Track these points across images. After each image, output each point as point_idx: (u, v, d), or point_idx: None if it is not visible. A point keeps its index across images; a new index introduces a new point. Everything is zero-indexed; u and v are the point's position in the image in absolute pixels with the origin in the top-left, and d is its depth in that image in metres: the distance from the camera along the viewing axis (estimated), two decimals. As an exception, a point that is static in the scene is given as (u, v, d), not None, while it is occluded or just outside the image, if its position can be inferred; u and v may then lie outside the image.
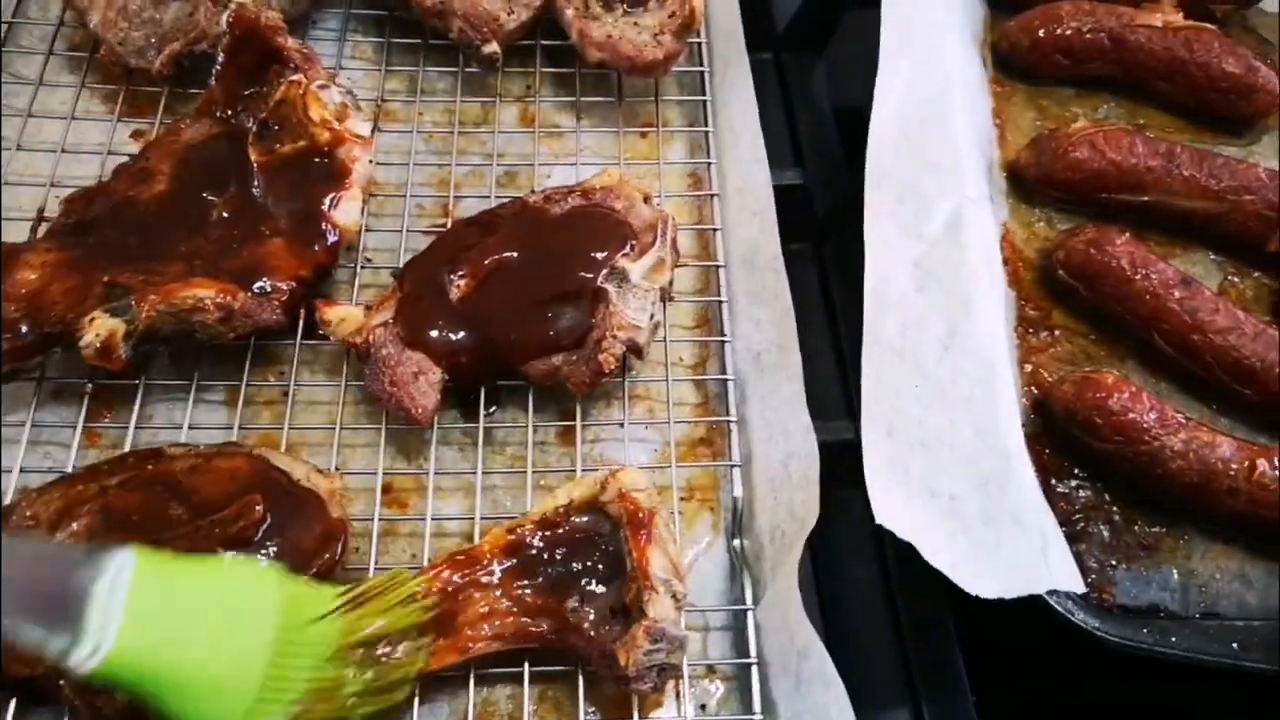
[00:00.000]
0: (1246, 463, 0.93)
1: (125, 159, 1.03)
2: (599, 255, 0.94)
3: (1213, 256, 1.13)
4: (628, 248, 0.96)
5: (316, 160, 0.98)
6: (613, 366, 0.91)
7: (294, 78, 1.00)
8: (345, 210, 0.97)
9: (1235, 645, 0.85)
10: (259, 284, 0.93)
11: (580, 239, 0.96)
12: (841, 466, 0.88)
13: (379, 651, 0.77)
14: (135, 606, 0.62)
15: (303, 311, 0.97)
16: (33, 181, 1.04)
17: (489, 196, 1.07)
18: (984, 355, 0.88)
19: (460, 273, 0.94)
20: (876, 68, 1.07)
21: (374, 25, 1.20)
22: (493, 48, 1.12)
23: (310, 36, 1.18)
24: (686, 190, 1.13)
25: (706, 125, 1.14)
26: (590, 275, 0.94)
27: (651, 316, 0.94)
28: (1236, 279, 1.12)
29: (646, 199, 1.00)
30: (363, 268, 1.03)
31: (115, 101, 1.11)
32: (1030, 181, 1.14)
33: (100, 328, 0.87)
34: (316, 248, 0.96)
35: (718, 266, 1.04)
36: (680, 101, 1.19)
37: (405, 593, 0.79)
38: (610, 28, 1.11)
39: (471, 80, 1.17)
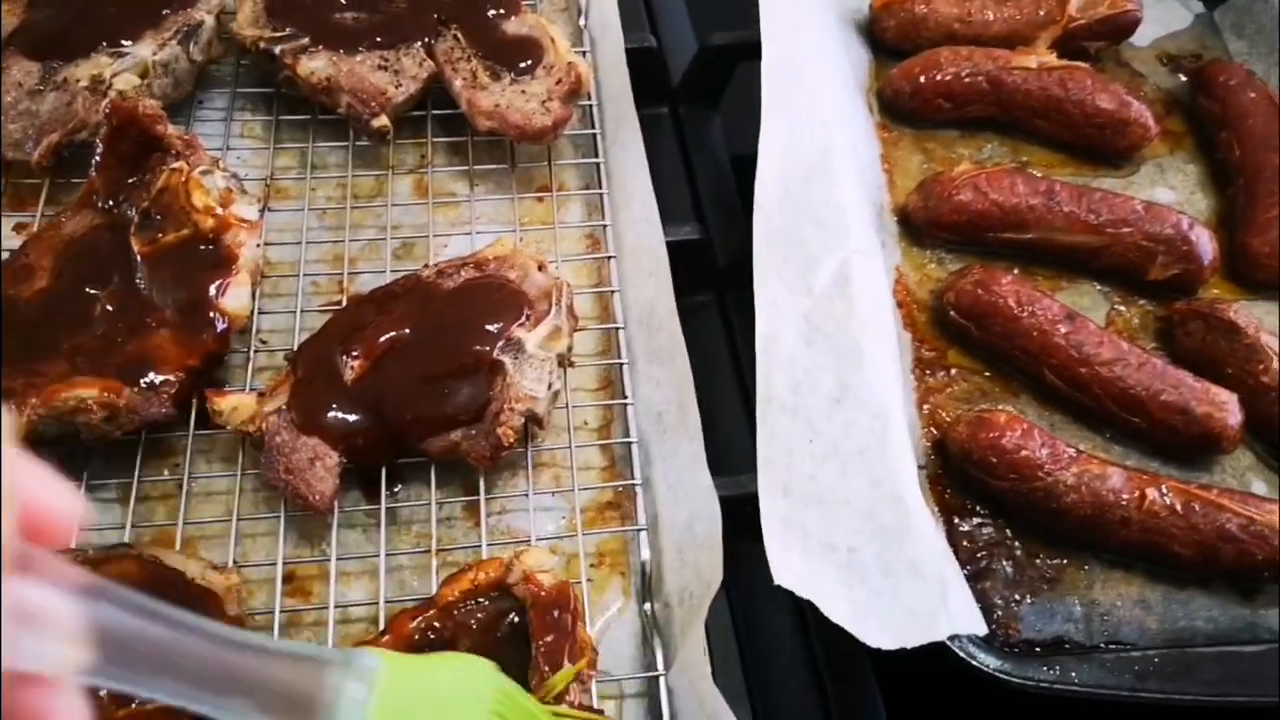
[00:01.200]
0: (1137, 493, 0.96)
1: (6, 254, 1.02)
2: (494, 327, 0.94)
3: (1099, 287, 1.17)
4: (523, 318, 0.96)
5: (201, 248, 0.97)
6: (512, 439, 0.91)
7: (175, 165, 0.99)
8: (233, 296, 0.96)
9: (1132, 676, 0.87)
10: (146, 378, 0.92)
11: (475, 312, 0.96)
12: (752, 519, 0.88)
13: None
14: (384, 705, 0.61)
15: (195, 401, 0.96)
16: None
17: (385, 271, 1.06)
18: (876, 406, 0.89)
19: (354, 353, 0.93)
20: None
21: (261, 103, 1.20)
22: (382, 121, 1.12)
23: (196, 118, 1.17)
24: (584, 253, 1.14)
25: (601, 187, 1.15)
26: (486, 348, 0.94)
27: (550, 386, 0.94)
28: (1123, 308, 1.16)
29: (541, 266, 1.00)
30: (257, 351, 1.01)
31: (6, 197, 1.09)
32: (919, 225, 1.17)
33: (-22, 436, 0.85)
34: (205, 336, 0.94)
35: (617, 328, 1.05)
36: (574, 165, 1.20)
37: None
38: (498, 96, 1.12)
39: (363, 153, 1.17)
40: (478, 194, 1.16)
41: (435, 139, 1.18)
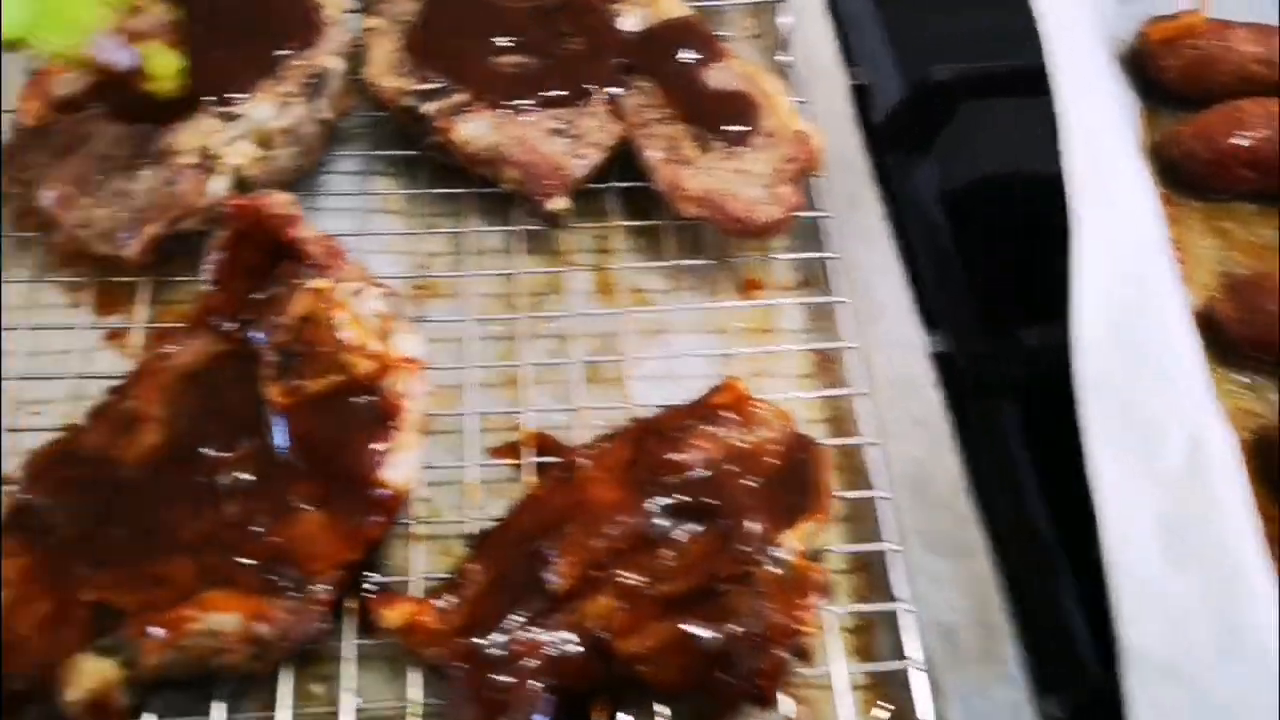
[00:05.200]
0: None
1: (101, 382, 0.80)
2: (753, 526, 0.71)
3: None
4: (780, 508, 0.73)
5: (355, 399, 0.75)
6: (777, 681, 0.69)
7: (317, 284, 0.76)
8: (399, 465, 0.73)
9: None
10: (296, 582, 0.70)
11: (717, 498, 0.73)
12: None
13: None
14: None
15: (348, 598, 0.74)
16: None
17: (573, 407, 0.84)
18: (1268, 653, 0.67)
19: (563, 555, 0.71)
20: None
21: (403, 169, 0.96)
22: (560, 204, 0.89)
23: (320, 188, 0.94)
24: (809, 374, 0.89)
25: (830, 289, 0.91)
26: (741, 550, 0.71)
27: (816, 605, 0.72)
28: None
29: (785, 424, 0.77)
30: (419, 522, 0.79)
31: (83, 298, 0.86)
32: (1234, 341, 0.92)
33: (89, 676, 0.64)
34: (365, 520, 0.72)
35: (876, 497, 0.82)
36: (793, 259, 0.95)
37: None
38: (709, 177, 0.87)
39: (530, 238, 0.93)
40: (669, 289, 0.92)
41: (620, 221, 0.94)
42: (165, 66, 0.83)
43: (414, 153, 0.95)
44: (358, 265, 0.78)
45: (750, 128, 0.89)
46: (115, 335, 0.86)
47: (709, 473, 0.75)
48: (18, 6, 0.74)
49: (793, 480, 0.75)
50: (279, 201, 0.77)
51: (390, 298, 0.78)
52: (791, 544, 0.72)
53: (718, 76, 0.93)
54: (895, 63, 1.15)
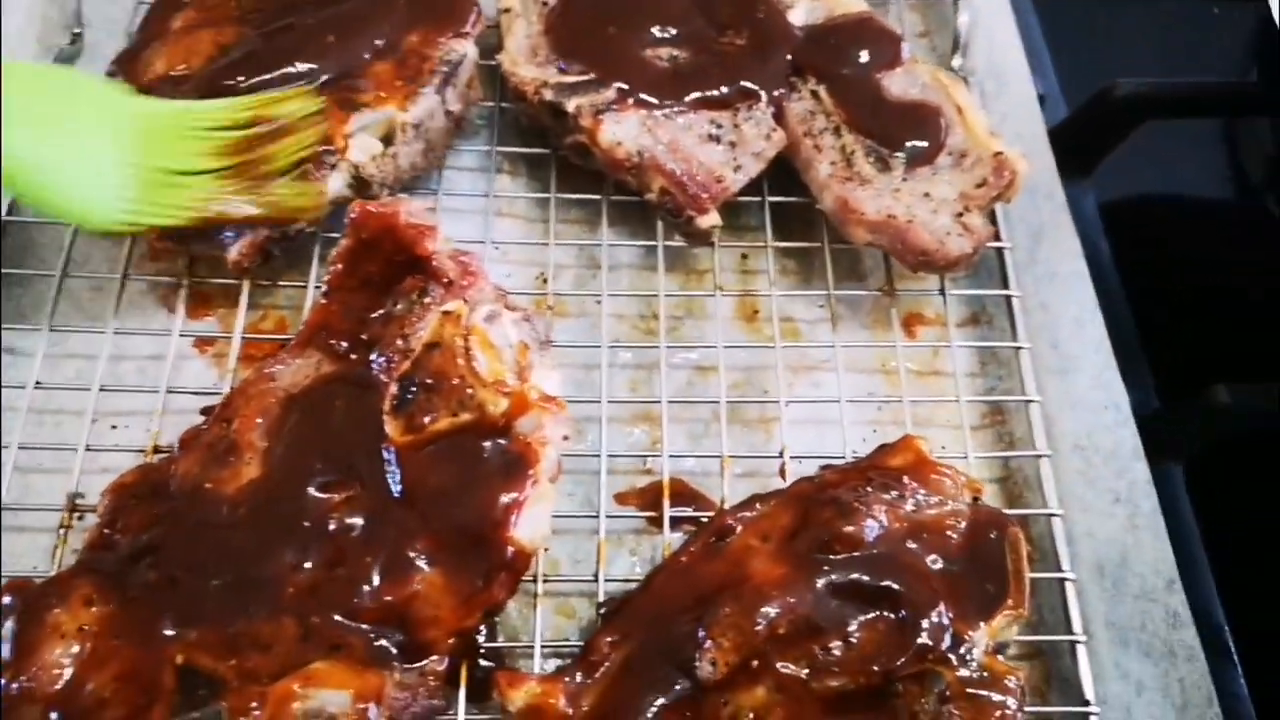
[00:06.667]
0: None
1: (190, 397, 0.71)
2: (937, 616, 0.61)
3: None
4: (968, 596, 0.63)
5: (485, 442, 0.65)
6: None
7: (448, 307, 0.66)
8: (530, 521, 0.63)
9: None
10: (405, 646, 0.61)
11: (893, 581, 0.62)
12: None
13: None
14: None
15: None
16: (55, 442, 0.71)
17: (719, 454, 0.73)
18: None
19: (716, 637, 0.61)
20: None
21: (530, 169, 0.86)
22: (712, 220, 0.78)
23: (434, 187, 0.84)
24: (980, 425, 0.78)
25: (1016, 331, 0.79)
26: (924, 644, 0.61)
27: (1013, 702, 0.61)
28: None
29: (977, 496, 0.67)
30: (542, 580, 0.69)
31: (174, 299, 0.77)
32: None
33: (175, 755, 0.56)
34: (489, 583, 0.63)
35: (1062, 578, 0.71)
36: (965, 291, 0.83)
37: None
38: (890, 199, 0.76)
39: (669, 253, 0.82)
40: (820, 319, 0.81)
41: (769, 241, 0.82)
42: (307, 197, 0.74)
43: (542, 150, 0.85)
44: (493, 285, 0.69)
45: (937, 145, 0.78)
46: (206, 342, 0.77)
47: (886, 549, 0.64)
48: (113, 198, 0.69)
49: (982, 563, 0.65)
50: (415, 209, 0.67)
51: (525, 323, 0.69)
52: (982, 640, 0.62)
53: (899, 84, 0.81)
54: (1067, 72, 1.04)
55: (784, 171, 0.82)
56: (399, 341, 0.67)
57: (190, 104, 0.74)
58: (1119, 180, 0.99)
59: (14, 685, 0.57)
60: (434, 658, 0.61)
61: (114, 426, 0.73)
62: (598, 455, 0.72)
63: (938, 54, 0.94)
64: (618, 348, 0.78)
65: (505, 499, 0.64)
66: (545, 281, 0.81)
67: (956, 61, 0.92)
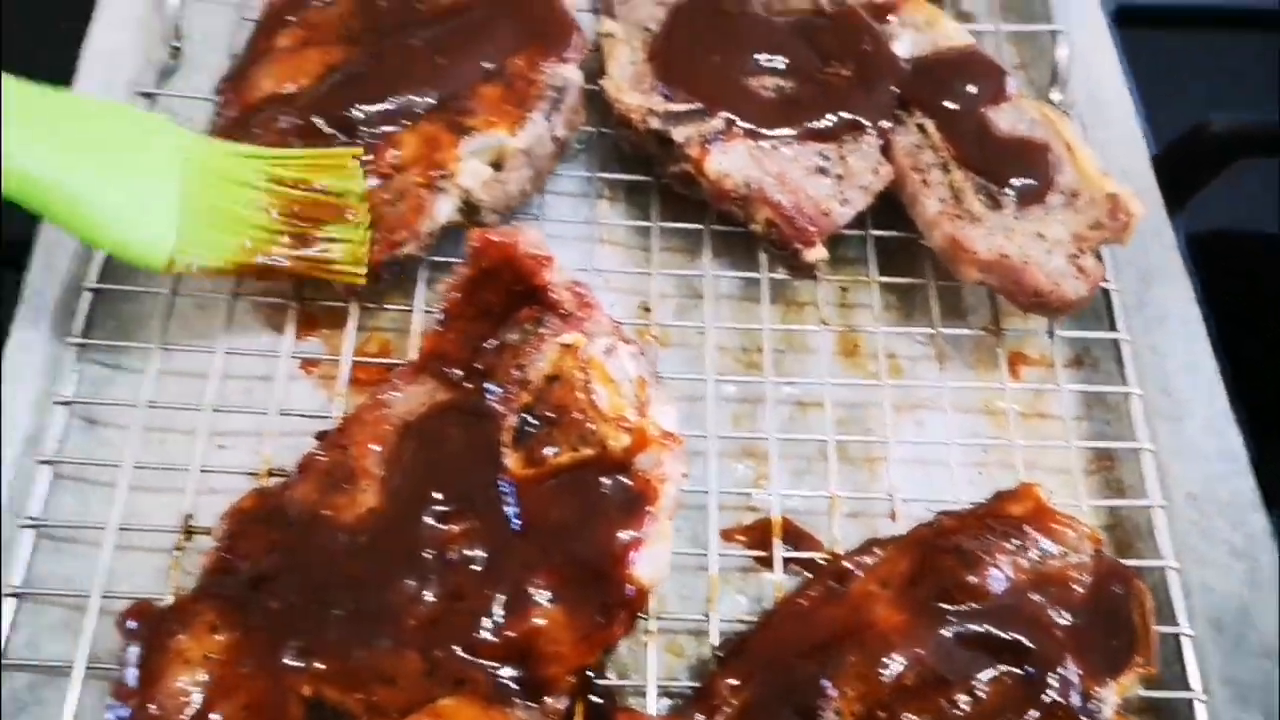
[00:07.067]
0: None
1: (299, 419, 0.71)
2: (1069, 672, 0.60)
3: None
4: (1091, 652, 0.62)
5: (605, 478, 0.65)
6: None
7: (566, 339, 0.66)
8: (649, 559, 0.63)
9: None
10: (526, 684, 0.60)
11: (1020, 634, 0.61)
12: None
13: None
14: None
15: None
16: (164, 461, 0.70)
17: (825, 493, 0.73)
18: None
19: (840, 686, 0.61)
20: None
21: (630, 196, 0.85)
22: (819, 253, 0.77)
23: (536, 214, 0.83)
24: (1089, 470, 0.77)
25: (1117, 377, 0.78)
26: (1053, 699, 0.60)
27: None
28: None
29: (1097, 549, 0.66)
30: (651, 617, 0.68)
31: (280, 319, 0.77)
32: None
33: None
34: (609, 620, 0.62)
35: (1179, 634, 0.70)
36: (1075, 337, 0.82)
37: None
38: (1003, 239, 0.75)
39: (771, 284, 0.81)
40: (922, 356, 0.81)
41: (871, 276, 0.82)
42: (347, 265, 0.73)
43: (642, 177, 0.84)
44: (610, 317, 0.68)
45: (1048, 183, 0.77)
46: (310, 365, 0.77)
47: (1010, 600, 0.63)
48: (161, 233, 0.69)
49: (1109, 619, 0.64)
50: (534, 239, 0.67)
51: (639, 358, 0.68)
52: (1111, 697, 0.61)
53: (1007, 119, 0.80)
54: (1156, 107, 1.03)
55: (885, 204, 0.81)
56: (515, 372, 0.67)
57: (242, 148, 0.74)
58: (1207, 213, 0.98)
59: (141, 713, 0.57)
60: (555, 696, 0.61)
61: (221, 446, 0.72)
62: (705, 491, 0.71)
63: (1035, 87, 0.93)
64: (722, 381, 0.78)
65: (625, 536, 0.63)
66: (648, 310, 0.80)
67: (1055, 95, 0.91)
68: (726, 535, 0.73)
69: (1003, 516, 0.67)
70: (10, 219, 0.71)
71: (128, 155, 0.69)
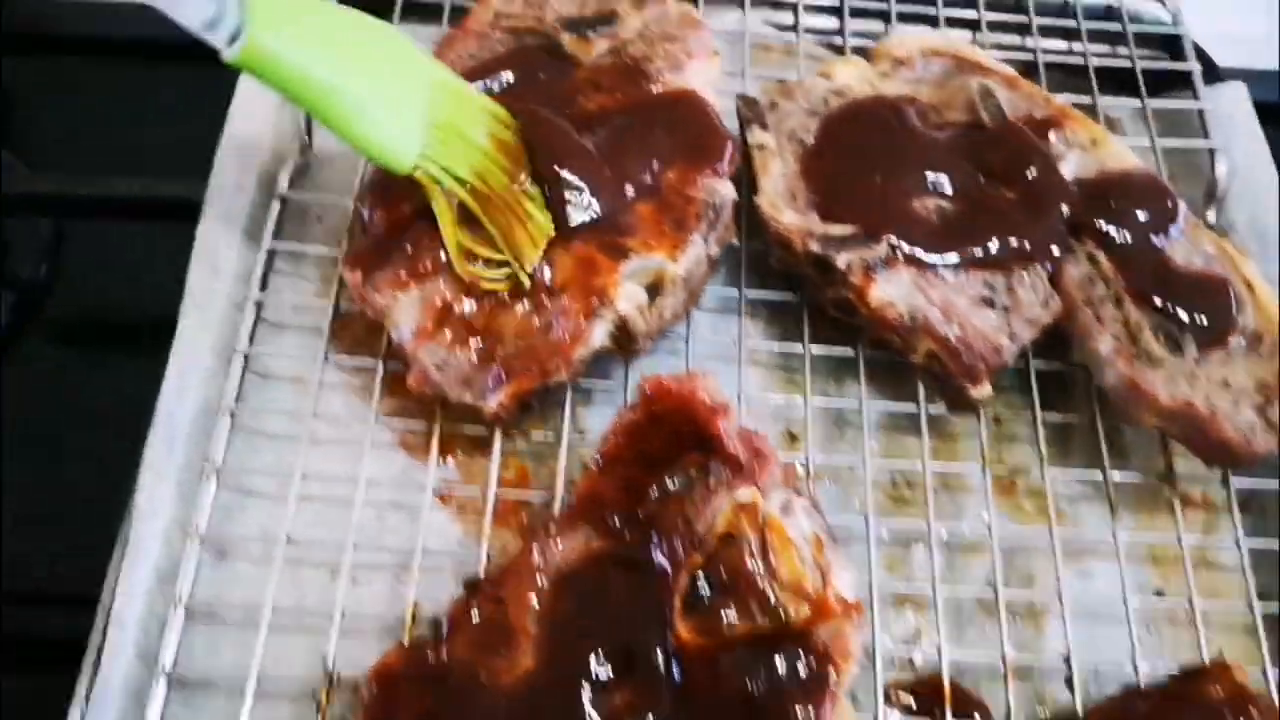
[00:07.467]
0: None
1: (445, 563, 0.68)
2: None
3: None
4: None
5: (782, 649, 0.60)
6: None
7: (742, 498, 0.62)
8: (829, 741, 0.59)
9: None
10: None
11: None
12: None
13: None
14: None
15: None
16: (297, 599, 0.67)
17: (998, 663, 0.68)
18: None
19: None
20: None
21: (778, 318, 0.81)
22: (986, 389, 0.73)
23: (691, 334, 0.78)
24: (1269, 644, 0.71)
25: (1289, 528, 0.74)
26: None
27: None
28: None
29: (1308, 737, 0.62)
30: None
31: (413, 443, 0.73)
32: None
33: None
34: (786, 806, 0.58)
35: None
36: (1249, 487, 0.76)
37: None
38: (1186, 385, 0.71)
39: (928, 417, 0.77)
40: (1082, 496, 0.76)
41: (1030, 410, 0.77)
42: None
43: (790, 297, 0.81)
44: (782, 466, 0.64)
45: (1229, 325, 0.73)
46: (446, 500, 0.73)
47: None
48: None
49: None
50: (710, 386, 0.63)
51: (814, 513, 0.64)
52: None
53: (1182, 251, 0.76)
54: None
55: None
56: (683, 525, 0.63)
57: (479, 96, 0.76)
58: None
59: None
60: None
61: (355, 581, 0.69)
62: (878, 667, 0.67)
63: (1191, 207, 0.89)
64: (882, 521, 0.73)
65: (802, 710, 0.59)
66: (794, 438, 0.77)
67: (1211, 215, 0.87)
68: (889, 700, 0.69)
69: (1199, 703, 0.63)
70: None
71: (385, 64, 0.72)
